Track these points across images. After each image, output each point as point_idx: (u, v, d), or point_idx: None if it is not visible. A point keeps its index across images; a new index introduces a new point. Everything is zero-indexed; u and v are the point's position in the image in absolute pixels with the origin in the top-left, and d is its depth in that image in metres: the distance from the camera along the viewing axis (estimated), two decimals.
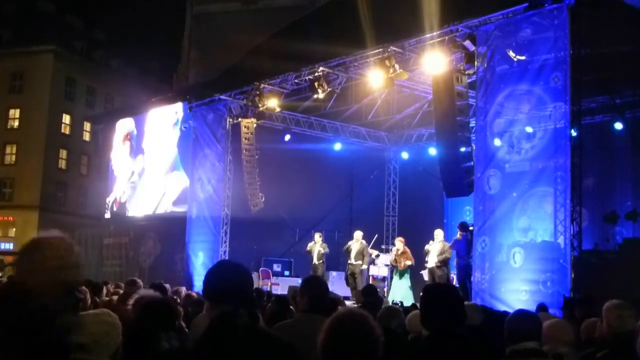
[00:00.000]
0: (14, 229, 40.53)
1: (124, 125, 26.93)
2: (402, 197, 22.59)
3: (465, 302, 6.36)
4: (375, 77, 14.88)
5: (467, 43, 12.81)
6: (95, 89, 44.13)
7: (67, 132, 42.29)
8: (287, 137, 20.21)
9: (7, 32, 42.99)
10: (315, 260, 17.05)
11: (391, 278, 16.82)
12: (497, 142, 12.09)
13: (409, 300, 14.72)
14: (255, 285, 7.79)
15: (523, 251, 11.38)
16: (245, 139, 18.37)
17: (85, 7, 47.21)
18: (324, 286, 4.56)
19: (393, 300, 14.40)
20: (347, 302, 6.83)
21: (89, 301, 6.65)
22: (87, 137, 42.30)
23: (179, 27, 44.87)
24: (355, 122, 21.05)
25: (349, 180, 22.51)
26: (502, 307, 10.14)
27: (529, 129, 11.64)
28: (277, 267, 19.43)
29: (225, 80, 19.53)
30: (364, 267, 16.58)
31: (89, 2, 48.05)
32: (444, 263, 15.01)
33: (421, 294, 3.98)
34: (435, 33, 13.43)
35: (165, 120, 24.42)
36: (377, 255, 17.45)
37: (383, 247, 19.25)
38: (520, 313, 4.29)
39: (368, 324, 2.64)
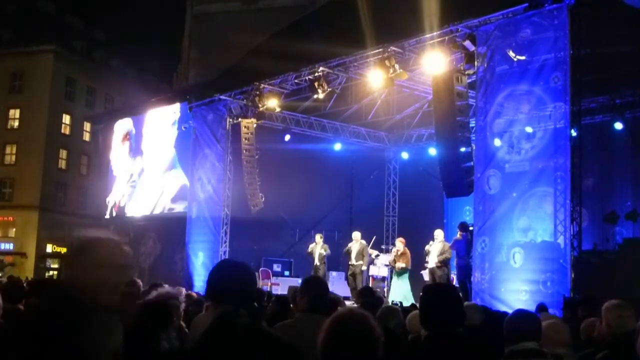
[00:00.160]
0: (14, 229, 40.54)
1: (123, 126, 26.95)
2: (402, 197, 22.59)
3: (466, 303, 6.37)
4: (375, 77, 14.88)
5: (467, 43, 12.81)
6: (95, 89, 44.13)
7: (67, 132, 42.29)
8: (287, 137, 20.21)
9: (7, 32, 43.00)
10: (316, 262, 17.05)
11: (391, 278, 16.83)
12: (497, 142, 12.09)
13: (408, 301, 14.72)
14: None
15: (523, 251, 11.38)
16: (245, 139, 18.37)
17: (85, 7, 47.23)
18: (324, 286, 4.56)
19: (393, 301, 14.40)
20: (347, 302, 6.84)
21: None
22: (87, 137, 42.31)
23: (179, 27, 44.93)
24: (355, 122, 21.05)
25: (349, 181, 22.51)
26: (502, 307, 10.14)
27: (529, 129, 11.64)
28: (277, 267, 19.43)
29: (225, 80, 19.53)
30: (365, 267, 16.60)
31: (89, 2, 48.08)
32: (444, 263, 15.01)
33: (421, 294, 3.98)
34: (435, 33, 13.43)
35: (163, 120, 24.47)
36: (377, 256, 17.45)
37: (383, 247, 19.26)
38: (520, 313, 4.29)
39: (368, 324, 2.64)
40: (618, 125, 16.09)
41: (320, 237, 17.58)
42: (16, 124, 41.59)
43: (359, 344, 2.58)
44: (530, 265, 11.23)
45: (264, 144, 18.87)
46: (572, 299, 9.97)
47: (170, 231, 22.51)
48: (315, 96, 16.49)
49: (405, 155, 22.39)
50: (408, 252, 16.10)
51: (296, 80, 17.04)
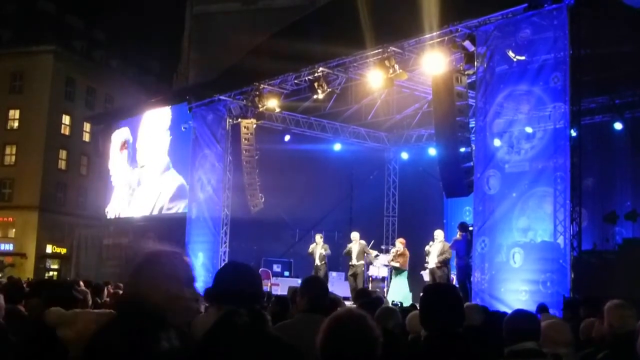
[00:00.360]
0: (14, 230, 40.52)
1: (120, 135, 26.99)
2: (402, 197, 22.59)
3: (467, 303, 6.37)
4: (375, 78, 14.88)
5: (467, 43, 12.81)
6: (95, 89, 44.12)
7: (67, 132, 42.28)
8: (287, 138, 20.21)
9: (7, 32, 43.01)
10: (317, 262, 17.05)
11: (390, 278, 16.84)
12: (496, 142, 12.09)
13: (408, 301, 14.72)
14: None
15: (523, 251, 11.38)
16: (245, 139, 18.37)
17: (85, 7, 47.16)
18: (323, 287, 4.57)
19: (393, 301, 14.40)
20: (347, 303, 6.85)
21: (90, 302, 6.66)
22: (86, 137, 42.29)
23: (179, 28, 44.90)
24: (355, 123, 21.04)
25: (349, 181, 22.51)
26: (501, 308, 10.14)
27: (529, 129, 11.65)
28: (277, 268, 19.41)
29: (225, 81, 19.54)
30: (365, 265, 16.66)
31: (89, 2, 48.00)
32: (444, 263, 15.01)
33: (421, 294, 3.98)
34: (434, 33, 13.43)
35: (158, 124, 24.60)
36: (377, 256, 17.45)
37: (383, 247, 19.25)
38: (519, 313, 4.29)
39: (367, 324, 2.64)
40: (618, 126, 16.09)
41: (321, 237, 17.57)
42: (16, 124, 41.58)
43: (357, 344, 2.58)
44: (530, 266, 11.23)
45: (263, 144, 18.87)
46: (572, 299, 9.97)
47: (169, 232, 22.50)
48: (315, 96, 16.48)
49: (405, 155, 22.39)
50: (407, 253, 16.10)
51: (296, 81, 17.03)
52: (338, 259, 19.18)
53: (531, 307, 9.94)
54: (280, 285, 17.80)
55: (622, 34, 13.13)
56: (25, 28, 42.02)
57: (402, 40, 14.21)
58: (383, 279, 17.53)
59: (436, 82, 13.41)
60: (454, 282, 14.85)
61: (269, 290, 16.69)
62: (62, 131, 41.92)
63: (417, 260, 15.99)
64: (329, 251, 17.26)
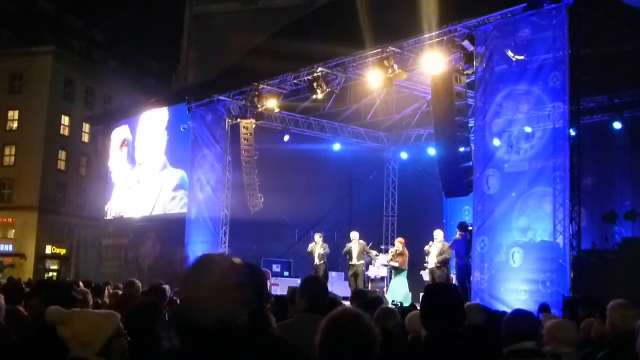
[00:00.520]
0: (14, 231, 40.52)
1: (120, 133, 27.01)
2: (402, 197, 22.60)
3: (468, 303, 6.37)
4: (374, 78, 14.88)
5: (466, 43, 12.81)
6: (95, 90, 44.11)
7: (66, 133, 42.28)
8: (287, 138, 20.21)
9: (6, 33, 43.02)
10: (316, 262, 17.06)
11: (390, 278, 16.84)
12: (496, 142, 12.09)
13: (408, 301, 14.72)
14: None
15: (522, 251, 11.38)
16: (245, 139, 18.37)
17: (85, 8, 47.15)
18: (323, 286, 4.56)
19: (393, 301, 14.40)
20: (346, 303, 6.85)
21: (91, 302, 6.67)
22: (86, 138, 42.30)
23: (179, 28, 44.88)
24: (355, 123, 21.04)
25: (348, 181, 22.50)
26: (501, 307, 10.14)
27: (528, 129, 11.65)
28: (276, 268, 19.39)
29: (225, 81, 19.53)
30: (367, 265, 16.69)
31: (89, 2, 47.99)
32: (443, 264, 15.01)
33: (422, 294, 3.99)
34: (434, 33, 13.43)
35: (155, 124, 24.66)
36: (376, 256, 17.46)
37: (382, 247, 19.25)
38: (518, 313, 4.29)
39: (365, 323, 2.63)
40: (617, 125, 16.09)
41: (320, 237, 17.58)
42: (15, 125, 41.58)
43: (355, 344, 2.58)
44: (529, 265, 11.24)
45: (263, 144, 18.87)
46: (571, 298, 9.97)
47: (169, 232, 22.53)
48: (315, 97, 16.48)
49: (404, 155, 22.40)
50: (407, 253, 16.10)
51: (295, 81, 17.04)
52: (338, 259, 19.17)
53: (531, 306, 9.94)
54: (280, 286, 17.78)
55: (621, 33, 13.13)
56: (24, 29, 42.03)
57: (401, 40, 14.22)
58: (383, 279, 17.53)
59: (435, 82, 13.41)
60: (454, 282, 14.84)
61: (268, 290, 16.69)
62: (62, 132, 41.92)
63: (416, 260, 15.99)
64: (328, 250, 17.26)
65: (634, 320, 4.19)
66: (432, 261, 15.10)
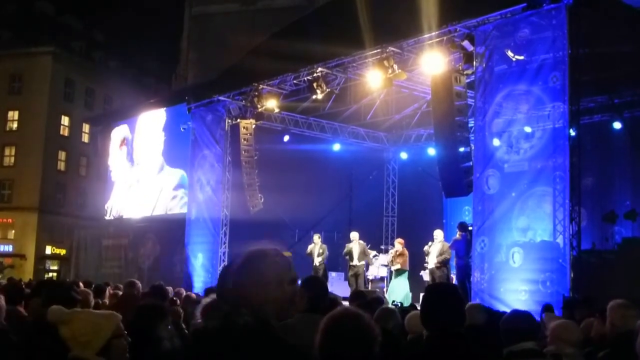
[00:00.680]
0: (13, 231, 40.52)
1: (120, 132, 27.04)
2: (401, 197, 22.60)
3: (470, 303, 6.37)
4: (374, 78, 14.88)
5: (466, 43, 12.81)
6: (94, 90, 44.11)
7: (66, 133, 42.29)
8: (286, 138, 20.20)
9: (6, 33, 43.00)
10: (316, 262, 17.06)
11: (390, 278, 16.84)
12: (495, 142, 12.09)
13: (408, 301, 14.72)
14: None
15: (522, 251, 11.37)
16: (244, 140, 18.36)
17: (84, 8, 47.21)
18: (323, 286, 4.57)
19: (393, 301, 14.40)
20: (345, 303, 6.85)
21: (92, 303, 6.68)
22: (86, 138, 42.32)
23: (178, 28, 44.90)
24: (354, 123, 21.05)
25: (348, 181, 22.50)
26: (501, 307, 10.14)
27: (528, 129, 11.65)
28: None
29: (224, 81, 19.51)
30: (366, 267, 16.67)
31: (88, 3, 48.05)
32: (443, 264, 15.01)
33: (423, 294, 3.99)
34: (433, 33, 13.43)
35: (153, 124, 24.69)
36: (375, 256, 17.46)
37: (382, 247, 19.25)
38: (516, 314, 4.30)
39: (365, 324, 2.64)
40: (617, 125, 16.09)
41: (319, 238, 17.58)
42: (15, 125, 41.59)
43: (356, 344, 2.58)
44: (529, 265, 11.23)
45: (262, 144, 18.87)
46: (571, 298, 9.98)
47: (169, 232, 22.53)
48: (314, 97, 16.47)
49: (404, 155, 22.40)
50: (406, 253, 16.10)
51: (295, 81, 17.03)
52: (337, 259, 19.17)
53: (531, 306, 9.95)
54: None
55: (621, 33, 13.12)
56: (24, 29, 42.03)
57: (401, 40, 14.21)
58: (382, 279, 17.54)
59: (435, 82, 13.41)
60: (454, 282, 14.85)
61: None
62: (61, 132, 41.93)
63: (416, 260, 15.99)
64: (326, 252, 17.26)
65: (634, 320, 4.20)
66: (431, 261, 15.10)
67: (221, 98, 18.90)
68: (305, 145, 20.42)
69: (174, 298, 8.26)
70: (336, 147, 21.55)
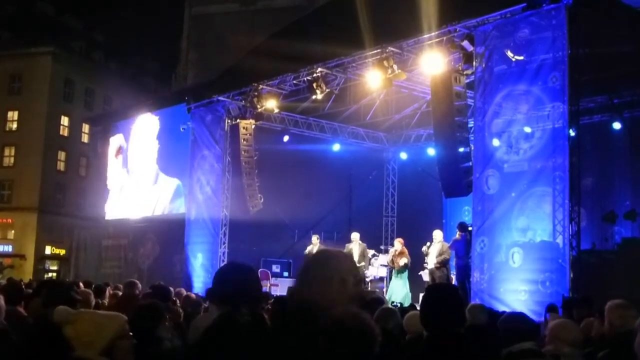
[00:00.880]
0: (13, 231, 40.52)
1: (116, 141, 27.03)
2: (401, 197, 22.59)
3: (471, 303, 6.37)
4: (373, 78, 14.88)
5: (465, 43, 12.82)
6: (94, 91, 44.11)
7: (66, 133, 42.28)
8: (286, 138, 20.19)
9: (5, 34, 43.02)
10: None
11: (390, 279, 16.84)
12: (495, 142, 12.09)
13: (408, 301, 14.73)
14: None
15: (522, 251, 11.38)
16: (244, 140, 18.35)
17: (84, 8, 47.23)
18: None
19: (393, 302, 14.40)
20: None
21: (93, 303, 6.68)
22: (85, 139, 42.31)
23: (178, 29, 44.93)
24: (354, 123, 21.04)
25: (348, 181, 22.49)
26: (501, 307, 10.15)
27: (528, 129, 11.65)
28: (276, 268, 19.41)
29: (224, 82, 19.51)
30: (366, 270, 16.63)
31: (88, 3, 48.08)
32: (443, 264, 15.02)
33: (422, 294, 3.99)
34: (433, 33, 13.43)
35: (146, 132, 24.76)
36: (375, 256, 17.46)
37: (382, 247, 19.25)
38: (514, 315, 4.31)
39: (365, 323, 2.64)
40: (616, 125, 16.09)
41: (317, 238, 17.58)
42: (15, 125, 41.60)
43: (356, 343, 2.58)
44: (529, 265, 11.23)
45: (262, 145, 18.86)
46: (570, 298, 9.98)
47: (169, 233, 22.52)
48: (314, 97, 16.46)
49: (404, 155, 22.39)
50: (406, 251, 16.10)
51: (294, 81, 17.03)
52: None
53: (531, 306, 9.98)
54: (279, 286, 17.81)
55: (621, 33, 13.12)
56: (24, 29, 42.03)
57: (400, 41, 14.21)
58: (382, 279, 17.53)
59: (435, 82, 13.42)
60: (454, 282, 14.85)
61: (268, 290, 16.70)
62: (61, 132, 41.93)
63: (416, 260, 15.99)
64: None
65: (633, 320, 4.20)
66: (431, 262, 15.11)
67: (221, 98, 18.89)
68: (305, 145, 20.42)
69: (174, 298, 8.26)
70: (336, 147, 21.54)
